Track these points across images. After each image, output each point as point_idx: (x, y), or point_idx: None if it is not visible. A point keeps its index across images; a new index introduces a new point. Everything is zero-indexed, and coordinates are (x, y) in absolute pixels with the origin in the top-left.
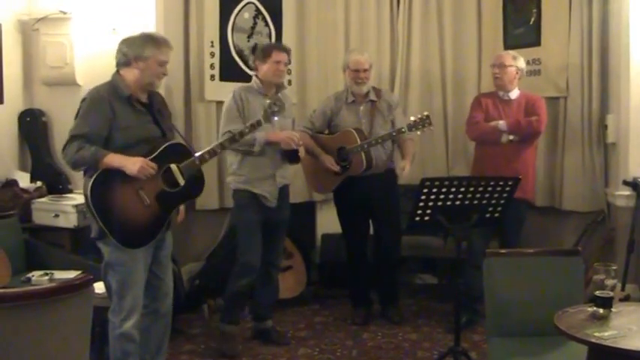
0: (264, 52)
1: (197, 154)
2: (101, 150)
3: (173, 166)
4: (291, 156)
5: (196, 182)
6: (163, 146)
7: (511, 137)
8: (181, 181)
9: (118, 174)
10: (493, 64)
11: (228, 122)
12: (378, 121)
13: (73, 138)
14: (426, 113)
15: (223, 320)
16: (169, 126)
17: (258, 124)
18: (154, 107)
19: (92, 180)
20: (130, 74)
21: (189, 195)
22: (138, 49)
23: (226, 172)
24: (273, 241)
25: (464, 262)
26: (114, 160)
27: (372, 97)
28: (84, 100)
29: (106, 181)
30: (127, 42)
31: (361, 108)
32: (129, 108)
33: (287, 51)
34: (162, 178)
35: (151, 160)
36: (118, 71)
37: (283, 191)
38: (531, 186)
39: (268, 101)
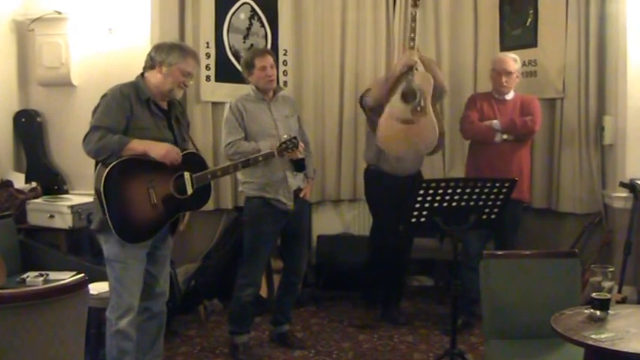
0: (247, 64)
1: (210, 170)
2: (126, 137)
3: (186, 174)
4: (297, 165)
5: (202, 195)
6: (185, 152)
7: (505, 136)
8: (190, 190)
9: (135, 167)
10: (496, 70)
11: (228, 134)
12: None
13: (94, 129)
14: None
15: (233, 332)
16: (184, 136)
17: (272, 155)
18: (171, 114)
19: (109, 168)
20: (153, 78)
21: (193, 205)
22: (164, 55)
23: (239, 181)
24: (295, 250)
25: (460, 264)
26: (139, 144)
27: None
28: (105, 95)
29: (122, 172)
30: (156, 47)
31: None
32: (146, 110)
33: (269, 53)
34: (173, 183)
35: None
36: (143, 74)
37: (298, 196)
38: (527, 186)
39: (285, 136)
